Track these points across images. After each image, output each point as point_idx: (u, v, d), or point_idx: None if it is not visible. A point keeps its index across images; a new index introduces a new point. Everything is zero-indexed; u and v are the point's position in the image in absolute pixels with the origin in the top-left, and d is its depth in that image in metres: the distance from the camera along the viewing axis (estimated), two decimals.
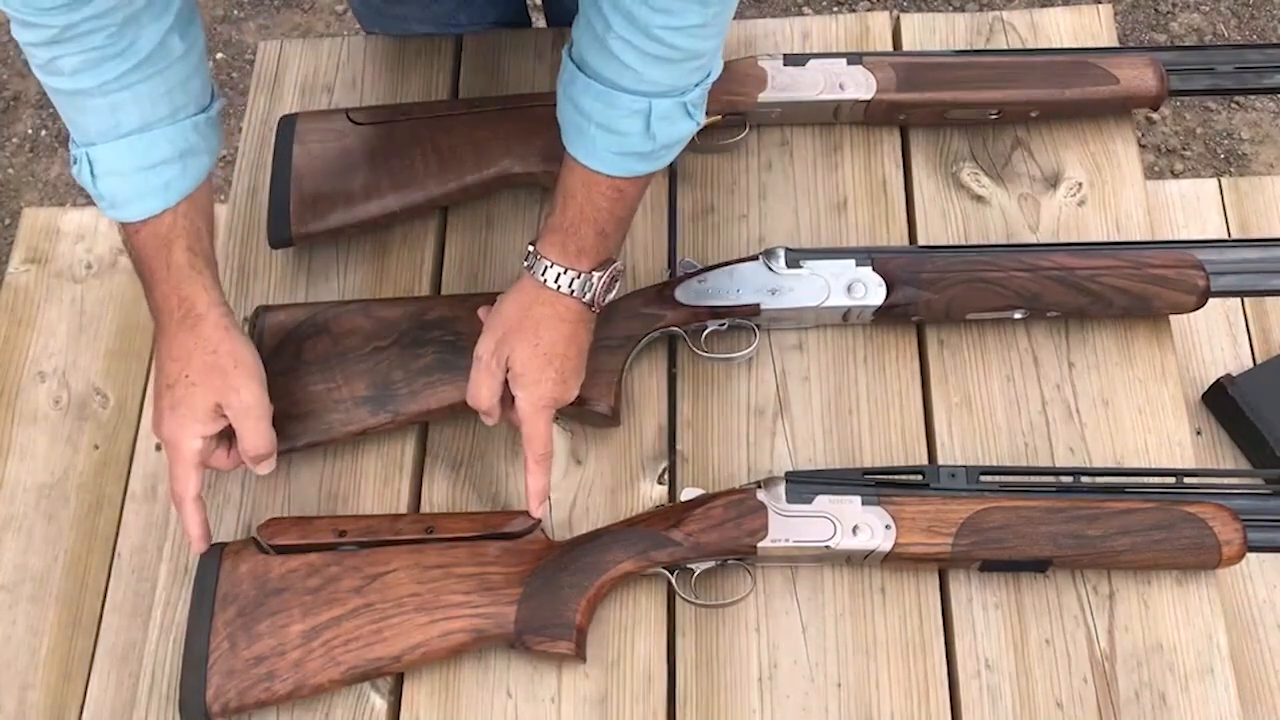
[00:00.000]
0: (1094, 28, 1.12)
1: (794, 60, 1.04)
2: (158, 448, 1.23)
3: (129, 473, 1.22)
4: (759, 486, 0.88)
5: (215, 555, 0.89)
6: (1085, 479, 0.89)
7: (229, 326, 0.88)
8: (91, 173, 0.83)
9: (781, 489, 0.87)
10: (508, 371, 0.87)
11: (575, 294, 0.86)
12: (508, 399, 0.89)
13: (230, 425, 0.87)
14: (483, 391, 0.88)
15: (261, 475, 0.92)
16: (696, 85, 0.83)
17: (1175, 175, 2.02)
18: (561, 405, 0.89)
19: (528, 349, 0.86)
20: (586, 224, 0.85)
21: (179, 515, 0.88)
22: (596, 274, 0.86)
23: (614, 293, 0.90)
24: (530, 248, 0.88)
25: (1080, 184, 1.05)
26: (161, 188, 0.84)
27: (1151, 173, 2.00)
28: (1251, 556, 0.89)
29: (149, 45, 0.79)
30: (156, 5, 0.78)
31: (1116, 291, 0.93)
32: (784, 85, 1.04)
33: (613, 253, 0.88)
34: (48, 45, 0.77)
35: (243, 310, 1.04)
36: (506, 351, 0.87)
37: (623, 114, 0.81)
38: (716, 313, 0.95)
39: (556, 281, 0.86)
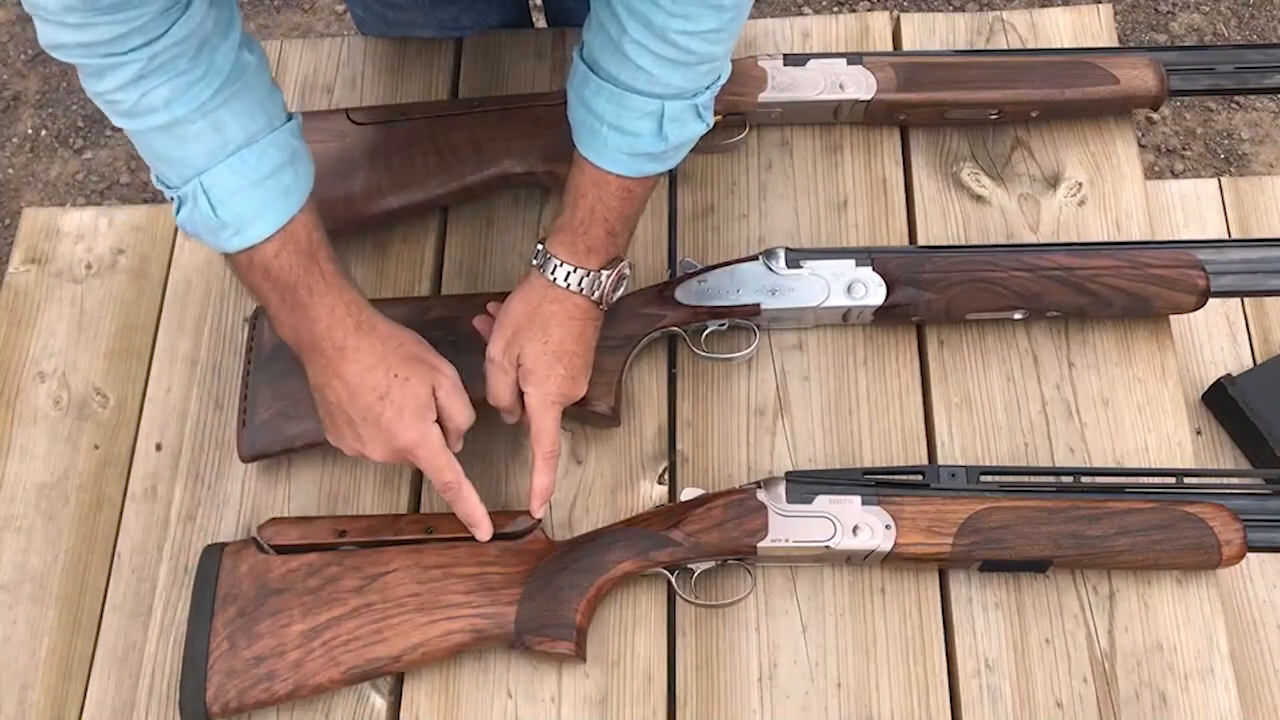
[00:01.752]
0: (1094, 28, 1.12)
1: (794, 60, 1.05)
2: (158, 447, 1.23)
3: (129, 473, 1.22)
4: (759, 486, 0.88)
5: (215, 555, 0.89)
6: (1085, 479, 0.89)
7: (389, 320, 0.87)
8: (210, 202, 0.80)
9: (781, 489, 0.87)
10: (518, 368, 0.87)
11: (584, 292, 0.87)
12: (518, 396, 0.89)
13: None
14: (501, 391, 0.89)
15: (457, 450, 0.89)
16: (708, 87, 0.84)
17: (1175, 175, 2.02)
18: (570, 402, 0.89)
19: (537, 346, 0.87)
20: (596, 223, 0.86)
21: (457, 503, 0.86)
22: (605, 272, 0.87)
23: (621, 291, 0.90)
24: (539, 246, 0.88)
25: (1080, 184, 1.05)
26: (283, 194, 0.82)
27: (1151, 173, 2.00)
28: (1251, 556, 0.89)
29: (227, 63, 0.78)
30: (222, 24, 0.78)
31: (1116, 292, 0.93)
32: (784, 85, 1.04)
33: (621, 251, 0.89)
34: (135, 84, 0.75)
35: (243, 310, 1.04)
36: (517, 349, 0.87)
37: (635, 115, 0.82)
38: (716, 313, 0.95)
39: (566, 280, 0.86)
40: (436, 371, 0.87)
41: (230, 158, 0.80)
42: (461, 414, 0.87)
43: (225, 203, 0.80)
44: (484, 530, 0.87)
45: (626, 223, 0.88)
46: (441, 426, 0.87)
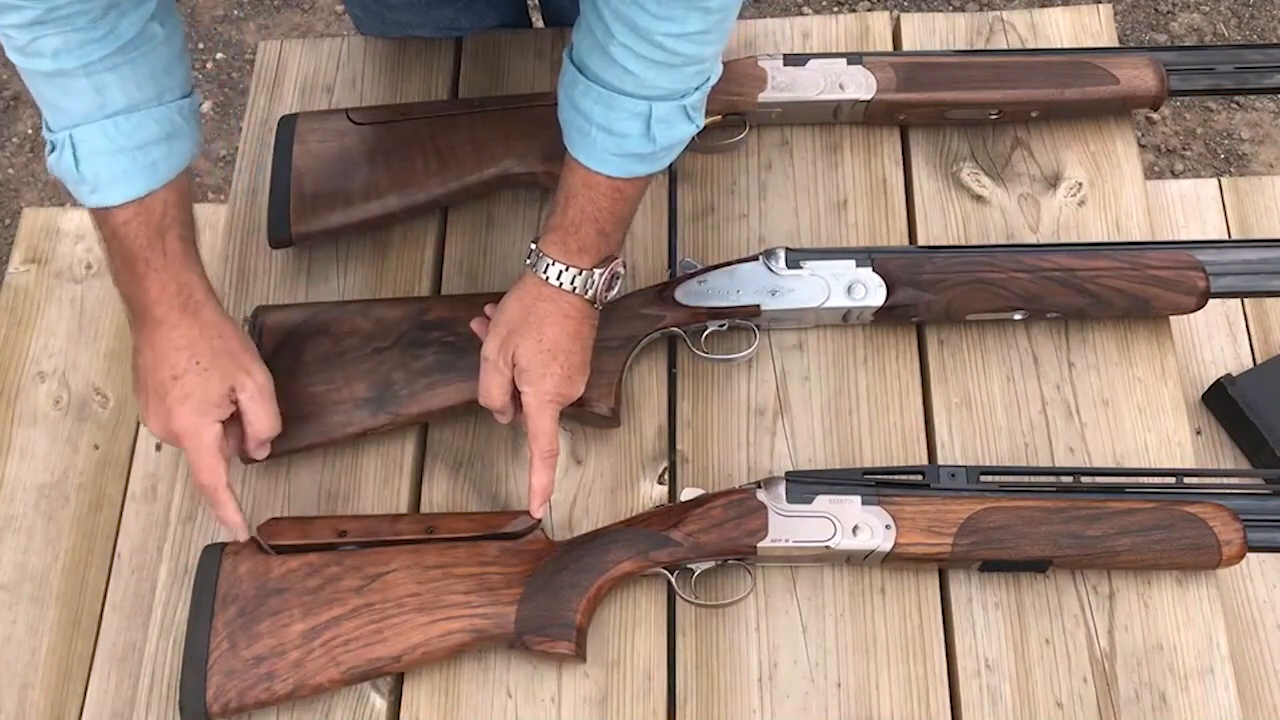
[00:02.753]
0: (1094, 28, 1.12)
1: (794, 60, 1.04)
2: (158, 448, 1.23)
3: (129, 473, 1.22)
4: (759, 486, 0.88)
5: (215, 555, 0.89)
6: (1085, 479, 0.89)
7: (225, 312, 0.89)
8: (75, 155, 0.81)
9: (781, 489, 0.87)
10: (514, 368, 0.87)
11: (577, 291, 0.87)
12: (515, 396, 0.89)
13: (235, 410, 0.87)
14: (494, 391, 0.89)
15: (259, 460, 0.91)
16: (696, 89, 0.83)
17: (1175, 175, 2.02)
18: (567, 401, 0.89)
19: (532, 345, 0.87)
20: (588, 223, 0.86)
21: (214, 506, 0.87)
22: (598, 271, 0.87)
23: (615, 290, 0.90)
24: (532, 246, 0.88)
25: (1080, 184, 1.05)
26: (149, 167, 0.83)
27: (1151, 173, 2.00)
28: (1251, 556, 0.89)
29: (131, 31, 0.79)
30: None
31: (1116, 293, 0.93)
32: (784, 85, 1.04)
33: (614, 250, 0.89)
34: (29, 27, 0.76)
35: (243, 310, 1.04)
36: (512, 349, 0.87)
37: (623, 116, 0.82)
38: (716, 313, 0.95)
39: (559, 279, 0.86)
40: (243, 373, 0.87)
41: (104, 120, 0.81)
42: (262, 422, 0.88)
43: (88, 160, 0.81)
44: (240, 534, 0.88)
45: (619, 223, 0.88)
46: (245, 431, 0.88)
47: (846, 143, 1.08)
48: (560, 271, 0.86)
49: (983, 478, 0.88)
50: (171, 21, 0.83)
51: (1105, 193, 1.04)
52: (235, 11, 2.27)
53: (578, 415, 0.95)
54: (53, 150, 0.83)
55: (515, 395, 0.89)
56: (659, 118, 0.82)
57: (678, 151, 0.87)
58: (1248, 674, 1.15)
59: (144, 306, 0.86)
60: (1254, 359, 1.32)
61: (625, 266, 0.91)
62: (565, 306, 0.87)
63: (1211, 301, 0.94)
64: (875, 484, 0.88)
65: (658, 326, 0.96)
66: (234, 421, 0.88)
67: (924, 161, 1.06)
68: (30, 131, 2.18)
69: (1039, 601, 0.88)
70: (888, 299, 0.94)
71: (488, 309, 0.93)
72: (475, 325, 0.93)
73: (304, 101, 1.14)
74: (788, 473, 0.89)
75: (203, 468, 0.86)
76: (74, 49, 0.77)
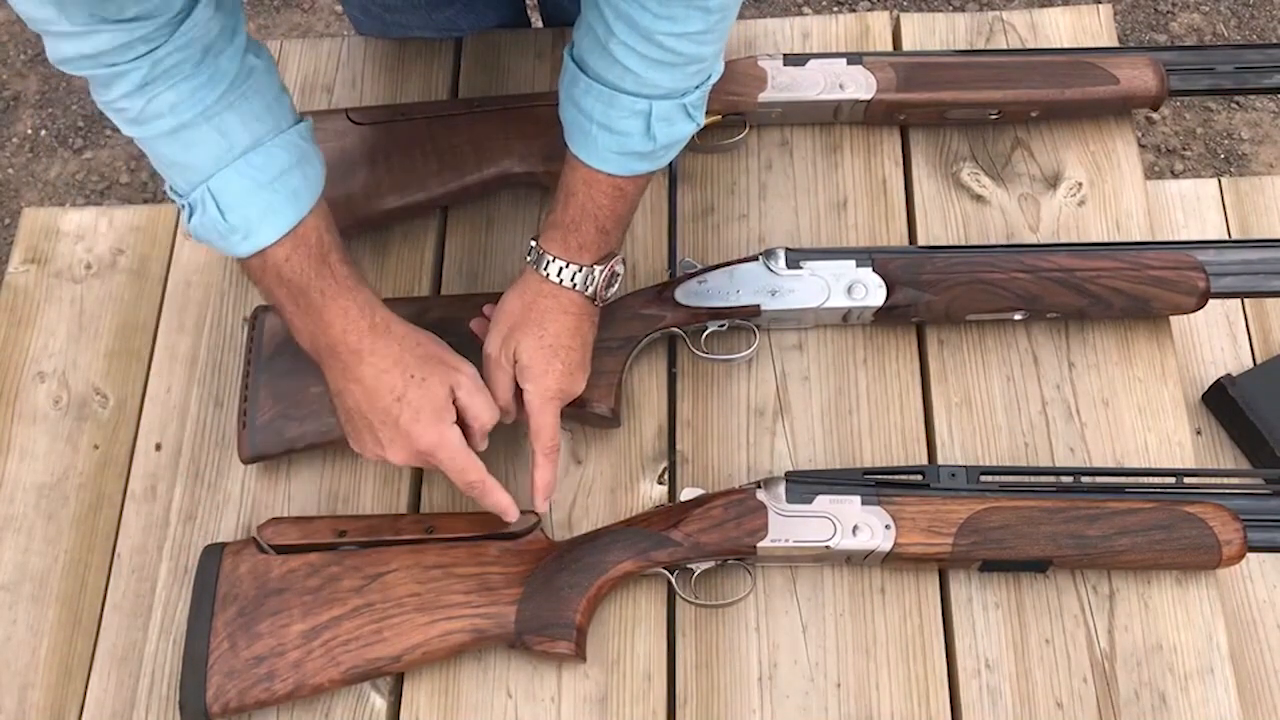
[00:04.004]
0: (1094, 28, 1.12)
1: (794, 60, 1.05)
2: (158, 447, 1.23)
3: (129, 473, 1.22)
4: (759, 486, 0.88)
5: (215, 555, 0.89)
6: (1085, 479, 0.89)
7: (405, 320, 0.87)
8: (218, 207, 0.80)
9: (781, 489, 0.87)
10: (515, 365, 0.87)
11: (577, 288, 0.87)
12: (517, 394, 0.89)
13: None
14: (496, 389, 0.88)
15: (481, 450, 0.88)
16: (697, 88, 0.84)
17: (1175, 175, 2.02)
18: (569, 398, 0.89)
19: (533, 342, 0.87)
20: (588, 221, 0.86)
21: (483, 497, 0.86)
22: (598, 268, 0.87)
23: (615, 288, 0.90)
24: (533, 243, 0.88)
25: (1080, 184, 1.05)
26: (291, 196, 0.81)
27: (1151, 173, 2.00)
28: (1251, 556, 0.89)
29: (233, 67, 0.79)
30: (227, 30, 0.78)
31: (1116, 293, 0.93)
32: (784, 85, 1.04)
33: (614, 247, 0.89)
34: (139, 91, 0.75)
35: (243, 310, 1.04)
36: (513, 346, 0.87)
37: (623, 114, 0.82)
38: (716, 313, 0.95)
39: (559, 276, 0.86)
40: (455, 371, 0.86)
41: (236, 161, 0.80)
42: (485, 413, 0.87)
43: (233, 207, 0.80)
44: (512, 513, 0.87)
45: (618, 221, 0.88)
46: (465, 426, 0.86)
47: (846, 143, 1.08)
48: (561, 268, 0.86)
49: (983, 478, 0.88)
50: (265, 53, 0.83)
51: (1105, 193, 1.04)
52: None
53: (578, 415, 0.95)
54: (191, 213, 0.81)
55: (517, 393, 0.89)
56: (659, 116, 0.82)
57: (678, 149, 0.87)
58: (1248, 674, 1.15)
59: (332, 343, 0.83)
60: (1254, 359, 1.32)
61: (624, 264, 0.91)
62: (565, 303, 0.87)
63: (1211, 301, 0.94)
64: (875, 484, 0.88)
65: (658, 326, 0.96)
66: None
67: (924, 161, 1.06)
68: (30, 131, 2.18)
69: (1039, 601, 0.88)
70: (888, 299, 0.94)
71: (486, 309, 0.93)
72: (474, 325, 0.93)
73: (304, 101, 1.14)
74: (788, 473, 0.89)
75: (466, 468, 0.85)
76: (188, 98, 0.77)
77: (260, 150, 0.80)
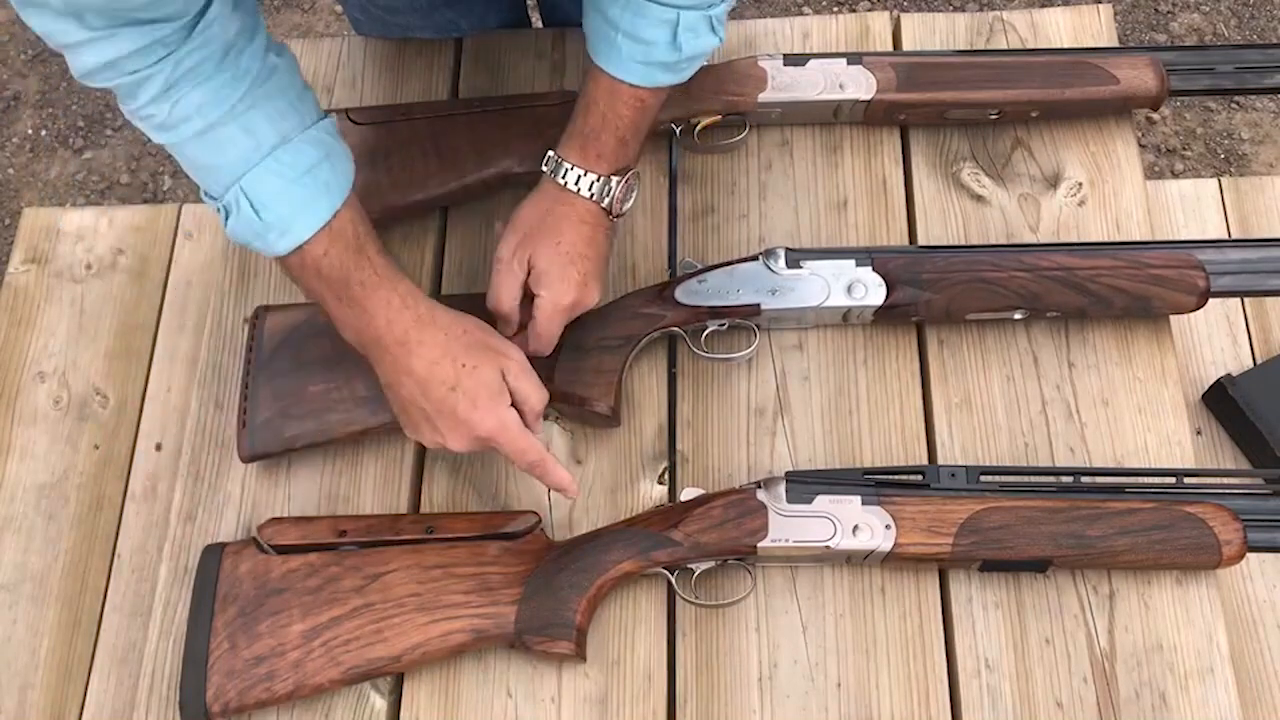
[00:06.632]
0: (1094, 28, 1.12)
1: (794, 60, 1.05)
2: (158, 447, 1.23)
3: (129, 473, 1.22)
4: (759, 486, 0.88)
5: (215, 555, 0.89)
6: (1085, 479, 0.89)
7: (448, 308, 0.87)
8: (252, 206, 0.80)
9: (781, 489, 0.87)
10: (529, 273, 0.88)
11: (594, 197, 0.89)
12: (525, 304, 0.90)
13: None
14: (504, 294, 0.89)
15: (538, 433, 0.89)
16: (723, 0, 0.85)
17: (1175, 175, 2.02)
18: (581, 309, 0.90)
19: (550, 249, 0.88)
20: (608, 131, 0.88)
21: (545, 476, 0.86)
22: (615, 179, 0.89)
23: (631, 202, 0.92)
24: (550, 153, 0.90)
25: (1080, 184, 1.05)
26: (324, 188, 0.82)
27: (1151, 173, 2.00)
28: (1251, 556, 0.89)
29: (255, 65, 0.79)
30: (247, 29, 0.79)
31: (1116, 292, 0.93)
32: (784, 85, 1.04)
33: (631, 162, 0.91)
34: (164, 95, 0.76)
35: (243, 310, 1.04)
36: (528, 252, 0.88)
37: (651, 24, 0.84)
38: (716, 313, 0.95)
39: (577, 184, 0.88)
40: (503, 356, 0.86)
41: (265, 159, 0.80)
42: (535, 394, 0.87)
43: (267, 205, 0.80)
44: (573, 490, 0.88)
45: (637, 133, 0.90)
46: (516, 409, 0.86)
47: (846, 143, 1.08)
48: (579, 176, 0.88)
49: (983, 478, 0.88)
50: (286, 52, 0.83)
51: (1105, 193, 1.04)
52: None
53: (578, 415, 0.95)
54: (226, 216, 0.82)
55: (522, 308, 0.90)
56: (686, 26, 0.84)
57: (700, 64, 0.89)
58: (1248, 674, 1.15)
59: (377, 335, 0.84)
60: (1254, 359, 1.32)
61: (639, 180, 0.92)
62: (582, 212, 0.89)
63: (1211, 301, 0.94)
64: (875, 484, 0.88)
65: (658, 326, 0.96)
66: None
67: (924, 161, 1.06)
68: (30, 131, 2.18)
69: (1039, 601, 0.88)
70: (888, 298, 0.94)
71: (501, 223, 0.92)
72: (499, 226, 0.93)
73: None
74: (788, 473, 0.89)
75: (525, 449, 0.85)
76: (213, 97, 0.77)
77: (288, 147, 0.81)
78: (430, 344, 0.84)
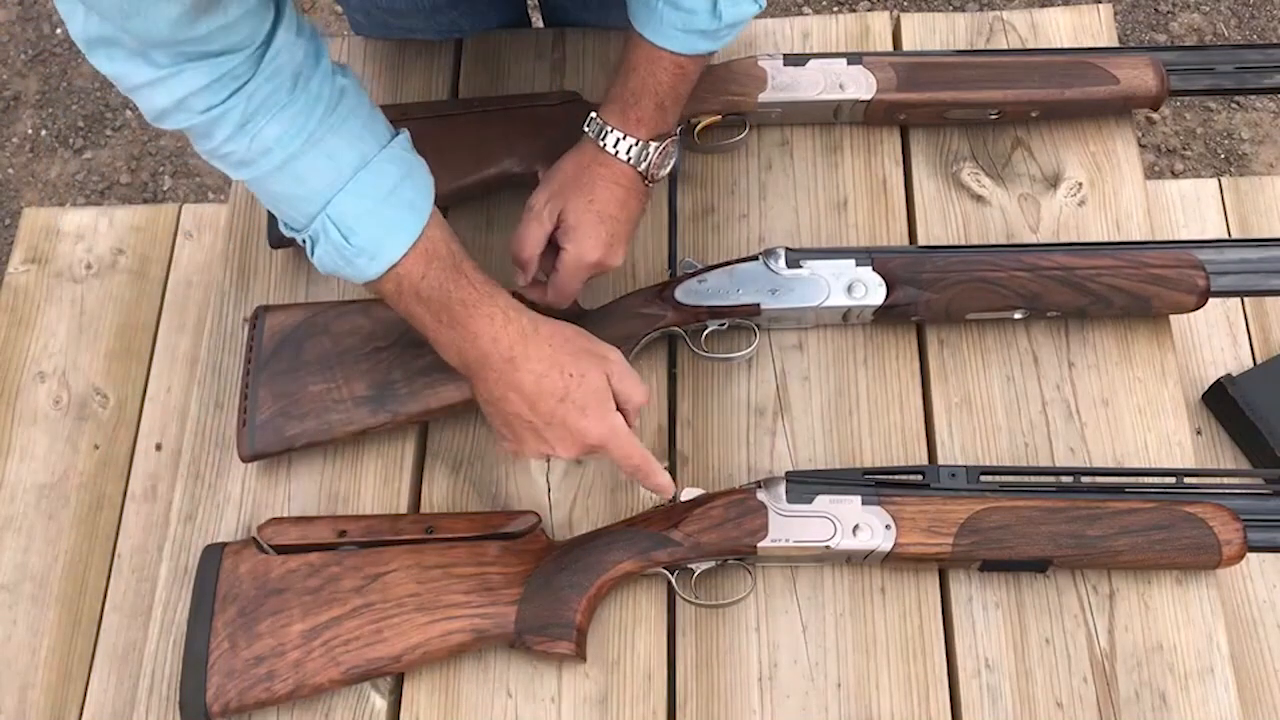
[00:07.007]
0: (1094, 28, 1.12)
1: (794, 60, 1.05)
2: (158, 447, 1.23)
3: (129, 473, 1.22)
4: (759, 486, 0.88)
5: (215, 555, 0.89)
6: (1085, 479, 0.89)
7: (545, 317, 0.87)
8: (340, 232, 0.79)
9: (781, 489, 0.87)
10: (559, 226, 0.90)
11: (632, 161, 0.90)
12: (548, 256, 0.91)
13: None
14: (528, 240, 0.91)
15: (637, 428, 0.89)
16: None
17: (1175, 175, 2.02)
18: (603, 270, 0.92)
19: (581, 204, 0.89)
20: (648, 95, 0.89)
21: (647, 478, 0.86)
22: (653, 144, 0.90)
23: (668, 169, 0.93)
24: (593, 114, 0.91)
25: (1080, 184, 1.05)
26: (410, 207, 0.81)
27: (1151, 173, 2.00)
28: (1251, 556, 0.89)
29: (325, 90, 0.78)
30: (311, 54, 0.78)
31: (1116, 291, 0.93)
32: (784, 85, 1.04)
33: (669, 128, 0.92)
34: (241, 130, 0.75)
35: (243, 310, 1.04)
36: (560, 205, 0.90)
37: None
38: (716, 313, 0.95)
39: (616, 146, 0.90)
40: (605, 360, 0.86)
41: (348, 184, 0.79)
42: (637, 393, 0.87)
43: (355, 230, 0.80)
44: (670, 491, 0.88)
45: (676, 99, 0.91)
46: (619, 409, 0.86)
47: (846, 143, 1.08)
48: (619, 139, 0.90)
49: (983, 478, 0.88)
50: (350, 73, 0.83)
51: (1105, 193, 1.04)
52: None
53: None
54: (313, 247, 0.81)
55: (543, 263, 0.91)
56: None
57: (739, 31, 0.89)
58: (1248, 674, 1.15)
59: (483, 354, 0.83)
60: (1254, 359, 1.32)
61: (678, 146, 0.94)
62: (618, 174, 0.90)
63: (1211, 301, 0.94)
64: (875, 484, 0.88)
65: (658, 326, 0.96)
66: None
67: (924, 161, 1.06)
68: (30, 131, 2.18)
69: (1039, 601, 0.88)
70: (888, 298, 0.94)
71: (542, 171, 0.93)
72: (541, 174, 0.94)
73: None
74: (788, 473, 0.89)
75: (632, 454, 0.85)
76: (289, 126, 0.77)
77: (369, 168, 0.80)
78: (536, 358, 0.83)
